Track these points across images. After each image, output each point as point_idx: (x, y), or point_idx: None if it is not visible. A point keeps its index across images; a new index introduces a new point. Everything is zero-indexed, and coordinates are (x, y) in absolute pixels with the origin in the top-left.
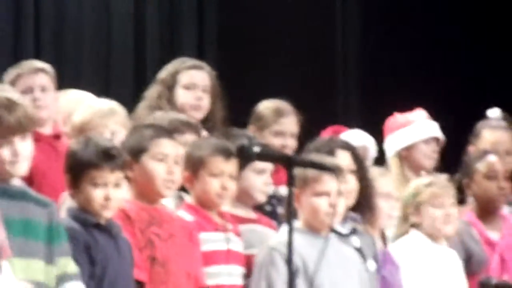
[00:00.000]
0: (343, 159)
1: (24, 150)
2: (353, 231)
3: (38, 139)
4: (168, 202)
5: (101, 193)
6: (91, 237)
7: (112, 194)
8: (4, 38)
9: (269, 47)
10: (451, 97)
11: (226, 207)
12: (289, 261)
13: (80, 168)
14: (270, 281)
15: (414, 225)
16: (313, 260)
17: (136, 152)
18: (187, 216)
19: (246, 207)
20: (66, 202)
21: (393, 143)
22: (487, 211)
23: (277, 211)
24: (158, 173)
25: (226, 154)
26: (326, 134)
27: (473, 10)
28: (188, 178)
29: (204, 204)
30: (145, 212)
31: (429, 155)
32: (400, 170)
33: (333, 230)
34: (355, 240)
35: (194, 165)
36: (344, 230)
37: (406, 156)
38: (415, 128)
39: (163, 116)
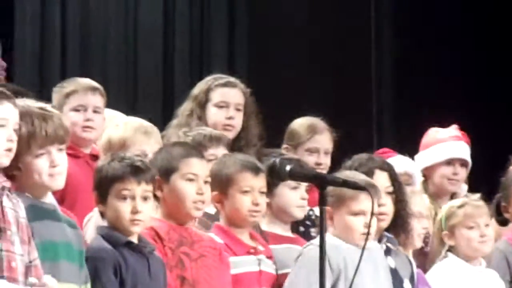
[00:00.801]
0: (381, 179)
1: (61, 161)
2: (388, 252)
3: (78, 156)
4: None
5: (129, 206)
6: (121, 257)
7: (140, 207)
8: (31, 55)
9: (301, 62)
10: (494, 119)
11: (264, 225)
12: (321, 276)
13: (106, 183)
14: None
15: (450, 249)
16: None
17: (166, 171)
18: (217, 239)
19: (283, 225)
20: (91, 222)
21: (419, 162)
22: None
23: (311, 233)
24: (188, 193)
25: (254, 169)
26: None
27: None
28: (217, 198)
29: (236, 223)
30: (175, 232)
31: (449, 177)
32: (424, 190)
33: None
34: (390, 261)
35: (223, 184)
36: None
37: (428, 177)
38: (437, 149)
39: (185, 135)
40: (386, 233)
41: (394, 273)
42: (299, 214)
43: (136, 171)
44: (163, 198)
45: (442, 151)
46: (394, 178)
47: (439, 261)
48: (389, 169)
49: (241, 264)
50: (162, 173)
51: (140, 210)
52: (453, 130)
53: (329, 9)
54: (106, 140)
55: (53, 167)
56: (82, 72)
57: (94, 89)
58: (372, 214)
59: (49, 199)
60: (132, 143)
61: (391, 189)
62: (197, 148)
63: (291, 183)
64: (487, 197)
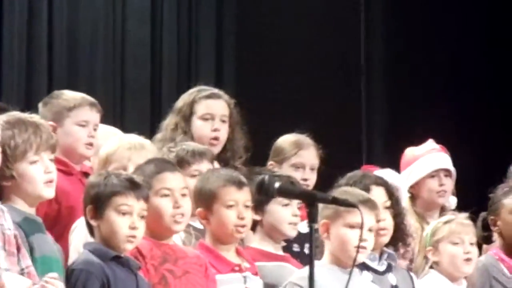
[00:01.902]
0: (378, 195)
1: (53, 169)
2: (389, 268)
3: (71, 173)
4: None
5: (127, 221)
6: (109, 270)
7: (137, 223)
8: (18, 69)
9: (289, 74)
10: (484, 133)
11: (255, 243)
12: None
13: (104, 197)
14: None
15: (433, 266)
16: None
17: None
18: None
19: (274, 243)
20: (75, 232)
21: (404, 181)
22: None
23: (293, 248)
24: (165, 208)
25: (238, 183)
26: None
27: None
28: (202, 214)
29: (222, 239)
30: (158, 249)
31: (436, 190)
32: (412, 209)
33: (369, 268)
34: (392, 278)
35: (207, 200)
36: (381, 267)
37: (416, 194)
38: (419, 164)
39: (169, 151)
40: (386, 249)
41: None
42: (291, 232)
43: (135, 187)
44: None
45: (424, 165)
46: (390, 192)
47: (420, 277)
48: (384, 184)
49: (226, 282)
50: None
51: (137, 226)
52: (430, 144)
53: (319, 23)
54: (103, 157)
55: (47, 174)
56: (68, 85)
57: (95, 106)
58: (362, 228)
59: (33, 211)
60: (128, 159)
61: (388, 203)
62: (169, 162)
63: (283, 200)
64: (476, 214)
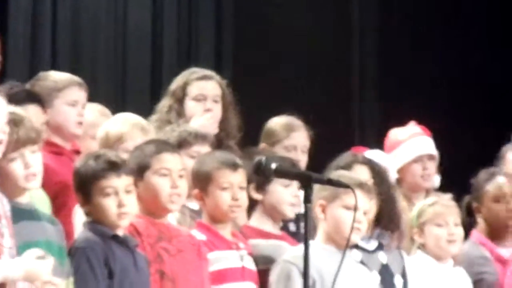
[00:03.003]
0: (361, 173)
1: (35, 163)
2: (380, 247)
3: (61, 153)
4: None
5: (114, 201)
6: (109, 249)
7: (124, 200)
8: (22, 51)
9: (286, 60)
10: (475, 118)
11: (253, 221)
12: (305, 275)
13: (87, 182)
14: None
15: (420, 247)
16: (331, 273)
17: (139, 169)
18: (200, 236)
19: (273, 223)
20: (77, 217)
21: (392, 162)
22: (496, 232)
23: (289, 227)
24: (162, 188)
25: (232, 165)
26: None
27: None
28: (198, 195)
29: (218, 219)
30: (154, 227)
31: (421, 174)
32: (398, 190)
33: (359, 247)
34: (382, 256)
35: (202, 181)
36: (370, 246)
37: (401, 177)
38: (402, 149)
39: (172, 130)
40: (377, 229)
41: (385, 268)
42: (290, 213)
43: (114, 165)
44: (139, 195)
45: (407, 150)
46: (375, 171)
47: (408, 257)
48: (368, 162)
49: (224, 259)
50: (137, 172)
51: (125, 203)
52: (413, 127)
53: (314, 9)
54: (104, 135)
55: (27, 169)
56: (71, 69)
57: (83, 85)
58: (356, 209)
59: (26, 199)
60: (129, 138)
61: (371, 181)
62: (168, 143)
63: (285, 181)
64: (458, 198)
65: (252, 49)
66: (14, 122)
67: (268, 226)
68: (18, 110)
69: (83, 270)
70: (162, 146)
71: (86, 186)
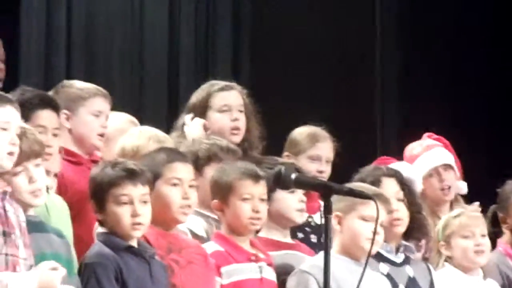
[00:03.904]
0: (390, 186)
1: (39, 177)
2: (407, 260)
3: (80, 163)
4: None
5: (128, 210)
6: (122, 261)
7: (139, 210)
8: (36, 56)
9: (305, 66)
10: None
11: (262, 232)
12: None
13: (102, 190)
14: None
15: (447, 260)
16: (349, 286)
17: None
18: (218, 247)
19: (283, 231)
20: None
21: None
22: None
23: (311, 239)
24: (173, 198)
25: (254, 177)
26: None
27: None
28: (218, 205)
29: (237, 231)
30: (163, 238)
31: (440, 187)
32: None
33: (386, 259)
34: (409, 270)
35: (223, 192)
36: (398, 259)
37: (423, 193)
38: (417, 164)
39: (200, 142)
40: (403, 242)
41: (413, 282)
42: (299, 218)
43: (131, 174)
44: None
45: (421, 164)
46: (402, 183)
47: (436, 271)
48: (395, 175)
49: (243, 271)
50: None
51: (140, 213)
52: (426, 140)
53: (334, 15)
54: (121, 149)
55: (32, 183)
56: (86, 74)
57: (108, 96)
58: (377, 221)
59: (32, 211)
60: (145, 151)
61: (401, 194)
62: (180, 153)
63: None
64: (485, 208)
65: (270, 55)
66: (18, 135)
67: (278, 235)
68: (22, 123)
69: (95, 284)
70: (173, 155)
71: (101, 193)
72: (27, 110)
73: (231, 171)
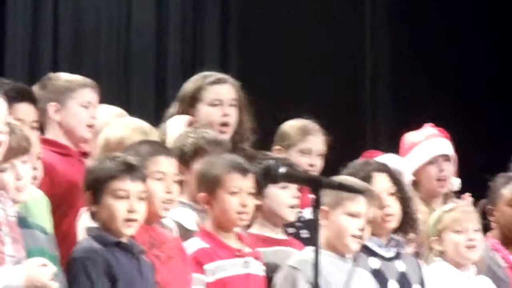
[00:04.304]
0: (381, 181)
1: (25, 174)
2: (398, 255)
3: (69, 155)
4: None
5: (124, 205)
6: (112, 256)
7: (135, 206)
8: (22, 50)
9: (294, 62)
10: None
11: (254, 229)
12: (315, 284)
13: (100, 182)
14: None
15: (439, 255)
16: (337, 282)
17: None
18: (202, 244)
19: (275, 228)
20: (81, 220)
21: (406, 165)
22: (509, 237)
23: (302, 234)
24: (156, 192)
25: (243, 170)
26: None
27: None
28: (205, 199)
29: (224, 225)
30: (146, 232)
31: (436, 178)
32: (417, 194)
33: (377, 254)
34: (400, 265)
35: (210, 185)
36: (388, 253)
37: (417, 181)
38: (416, 151)
39: (187, 136)
40: (394, 236)
41: (403, 277)
42: (290, 216)
43: (131, 169)
44: None
45: (422, 152)
46: (393, 177)
47: (427, 266)
48: (386, 170)
49: (227, 268)
50: None
51: (136, 209)
52: (428, 129)
53: (324, 8)
54: (105, 140)
55: (19, 181)
56: (73, 69)
57: (96, 87)
58: (366, 215)
59: (15, 208)
60: (130, 142)
61: (393, 189)
62: (164, 146)
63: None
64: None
65: (259, 52)
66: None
67: (270, 232)
68: (9, 118)
69: (81, 281)
70: (158, 148)
71: (99, 185)
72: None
73: (219, 164)
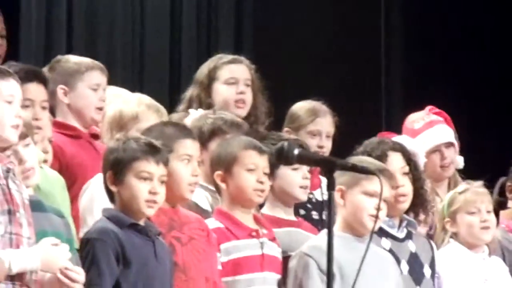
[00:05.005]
0: (396, 160)
1: (29, 157)
2: (409, 236)
3: (79, 136)
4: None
5: (147, 187)
6: (126, 238)
7: (158, 188)
8: (37, 34)
9: (307, 47)
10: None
11: (265, 209)
12: (328, 269)
13: (124, 163)
14: None
15: (452, 236)
16: (350, 265)
17: None
18: (218, 224)
19: (286, 209)
20: (87, 192)
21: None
22: None
23: (312, 216)
24: (183, 175)
25: (259, 148)
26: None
27: None
28: (221, 177)
29: (241, 203)
30: (165, 215)
31: (440, 164)
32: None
33: (388, 235)
34: (411, 245)
35: (227, 163)
36: (400, 234)
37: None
38: (419, 141)
39: (206, 117)
40: (406, 216)
41: (414, 257)
42: (302, 195)
43: (156, 152)
44: None
45: (424, 141)
46: (408, 157)
47: (441, 248)
48: (401, 149)
49: (243, 248)
50: None
51: (158, 191)
52: (428, 115)
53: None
54: (117, 114)
55: (23, 165)
56: (88, 52)
57: (104, 69)
58: (381, 198)
59: (29, 191)
60: (144, 119)
61: (407, 168)
62: (188, 129)
63: None
64: (493, 181)
65: (273, 33)
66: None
67: (281, 213)
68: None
69: (91, 261)
70: (184, 130)
71: (122, 165)
72: None
73: (235, 143)
